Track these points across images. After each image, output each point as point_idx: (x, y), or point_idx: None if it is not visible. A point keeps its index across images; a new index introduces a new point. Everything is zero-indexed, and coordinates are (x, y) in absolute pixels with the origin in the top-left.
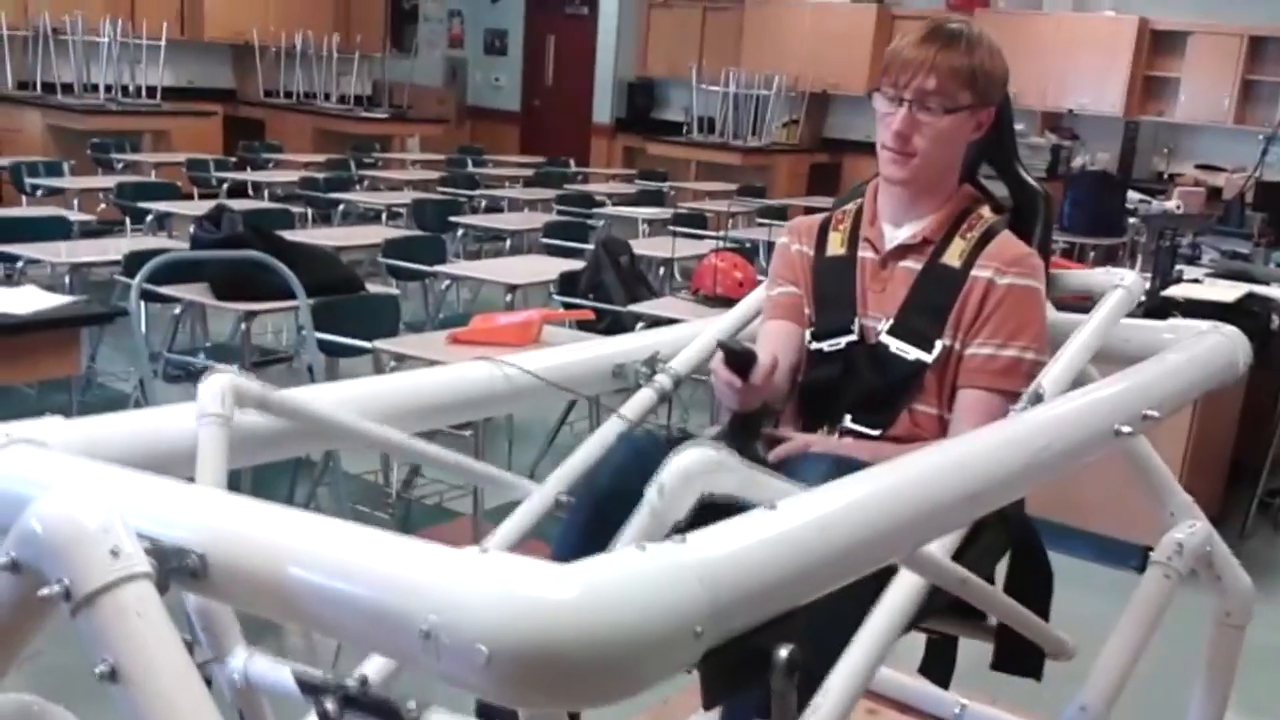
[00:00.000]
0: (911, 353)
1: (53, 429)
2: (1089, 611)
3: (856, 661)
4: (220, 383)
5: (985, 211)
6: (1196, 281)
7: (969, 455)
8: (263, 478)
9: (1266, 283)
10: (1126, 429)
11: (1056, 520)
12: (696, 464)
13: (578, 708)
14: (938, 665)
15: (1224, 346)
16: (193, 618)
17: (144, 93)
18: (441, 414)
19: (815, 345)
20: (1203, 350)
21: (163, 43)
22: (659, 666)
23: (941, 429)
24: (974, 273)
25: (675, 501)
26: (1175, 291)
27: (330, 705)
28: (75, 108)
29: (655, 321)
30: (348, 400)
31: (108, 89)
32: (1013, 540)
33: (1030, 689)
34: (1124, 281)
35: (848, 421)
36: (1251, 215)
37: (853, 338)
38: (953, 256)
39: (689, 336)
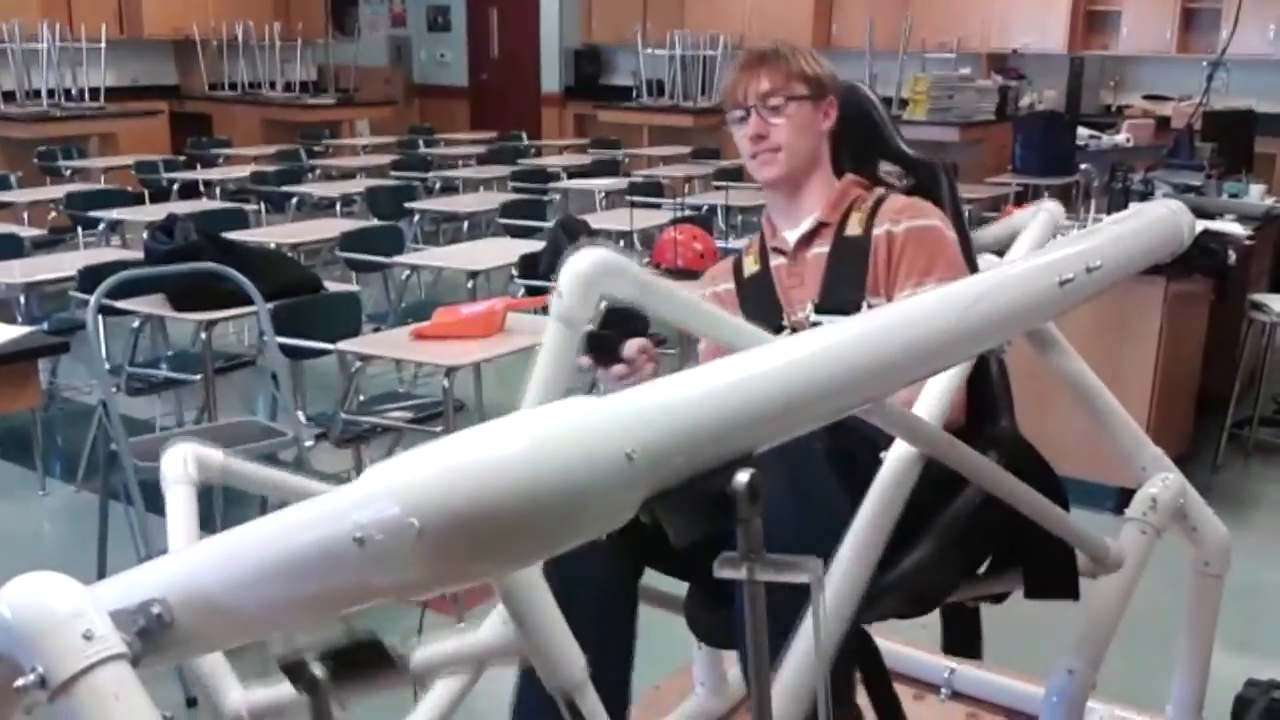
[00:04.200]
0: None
1: None
2: None
3: (858, 542)
4: (182, 452)
5: (877, 191)
6: None
7: (914, 312)
8: (233, 494)
9: (1220, 215)
10: (1069, 276)
11: None
12: (593, 267)
13: (518, 565)
14: (964, 638)
15: (1168, 218)
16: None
17: (87, 95)
18: None
19: None
20: (1146, 219)
21: (103, 44)
22: (600, 503)
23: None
24: (875, 233)
25: (576, 305)
26: None
27: (316, 671)
28: (18, 116)
29: None
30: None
31: (50, 94)
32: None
33: (1017, 650)
34: (1045, 207)
35: None
36: (1201, 146)
37: (785, 335)
38: (854, 227)
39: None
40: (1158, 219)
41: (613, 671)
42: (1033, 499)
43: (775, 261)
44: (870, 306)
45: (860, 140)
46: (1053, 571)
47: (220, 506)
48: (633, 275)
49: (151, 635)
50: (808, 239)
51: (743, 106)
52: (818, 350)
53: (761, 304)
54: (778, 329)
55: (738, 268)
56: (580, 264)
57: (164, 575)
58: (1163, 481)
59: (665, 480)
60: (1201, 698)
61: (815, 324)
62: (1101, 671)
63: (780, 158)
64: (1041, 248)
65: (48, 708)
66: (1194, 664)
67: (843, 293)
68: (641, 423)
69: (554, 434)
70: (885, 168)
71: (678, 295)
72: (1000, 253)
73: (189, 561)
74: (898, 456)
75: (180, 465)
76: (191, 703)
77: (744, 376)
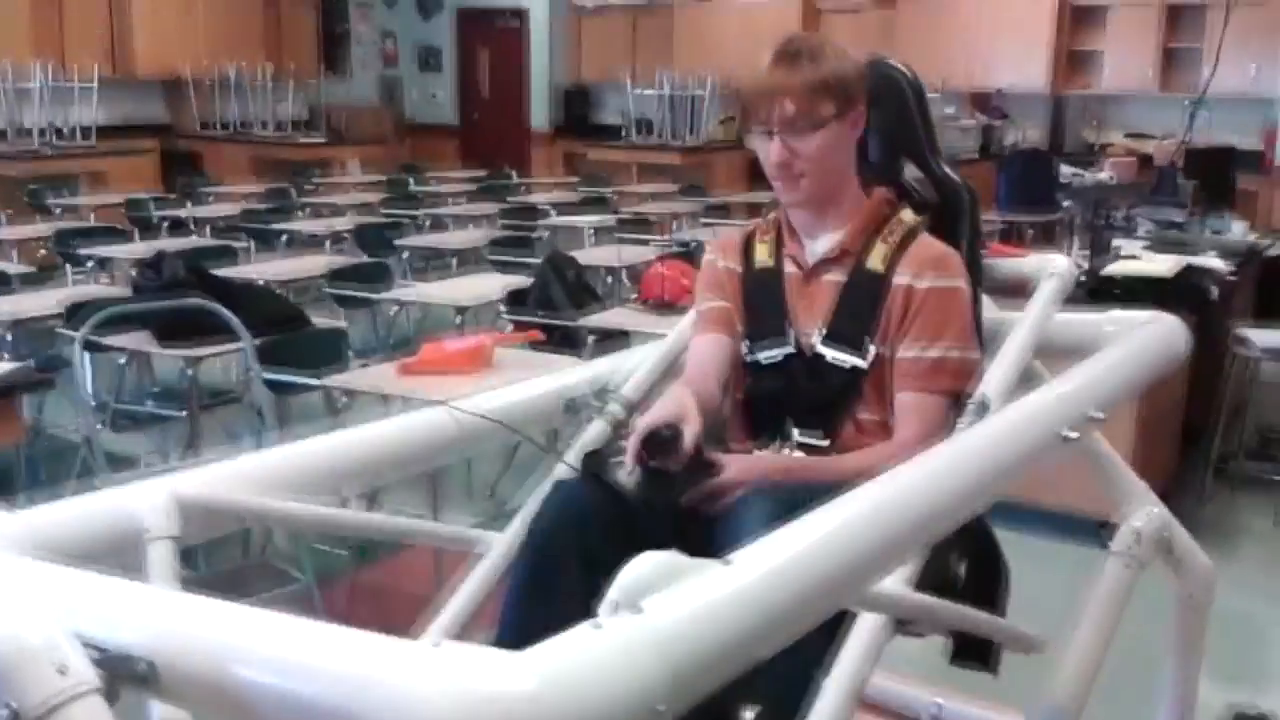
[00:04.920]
0: (848, 360)
1: None
2: (1053, 591)
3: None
4: (161, 498)
5: (905, 215)
6: (1133, 258)
7: (915, 483)
8: None
9: (1203, 251)
10: (1073, 434)
11: (1012, 500)
12: (647, 580)
13: None
14: (975, 647)
15: (1164, 336)
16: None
17: (78, 134)
18: (393, 467)
19: (752, 357)
20: (1143, 343)
21: (94, 84)
22: None
23: (888, 434)
24: (895, 279)
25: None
26: (1114, 269)
27: None
28: (8, 154)
29: (606, 334)
30: (296, 462)
31: (41, 133)
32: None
33: (1007, 682)
34: (1056, 268)
35: (795, 434)
36: (1184, 183)
37: (790, 349)
38: (876, 261)
39: (637, 361)
40: (1157, 339)
41: None
42: (962, 616)
43: (789, 268)
44: (875, 352)
45: (887, 127)
46: (978, 643)
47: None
48: (688, 572)
49: (130, 684)
50: (827, 263)
51: (765, 127)
52: (833, 534)
53: (768, 303)
54: (781, 340)
55: (747, 250)
56: (635, 579)
57: (159, 636)
58: (1147, 515)
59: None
60: None
61: (820, 353)
62: (1088, 704)
63: (805, 184)
64: (1049, 314)
65: None
66: (1180, 695)
67: (853, 329)
68: (673, 675)
69: (592, 690)
70: (911, 174)
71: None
72: (1007, 289)
73: (191, 638)
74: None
75: (161, 519)
76: None
77: (753, 581)
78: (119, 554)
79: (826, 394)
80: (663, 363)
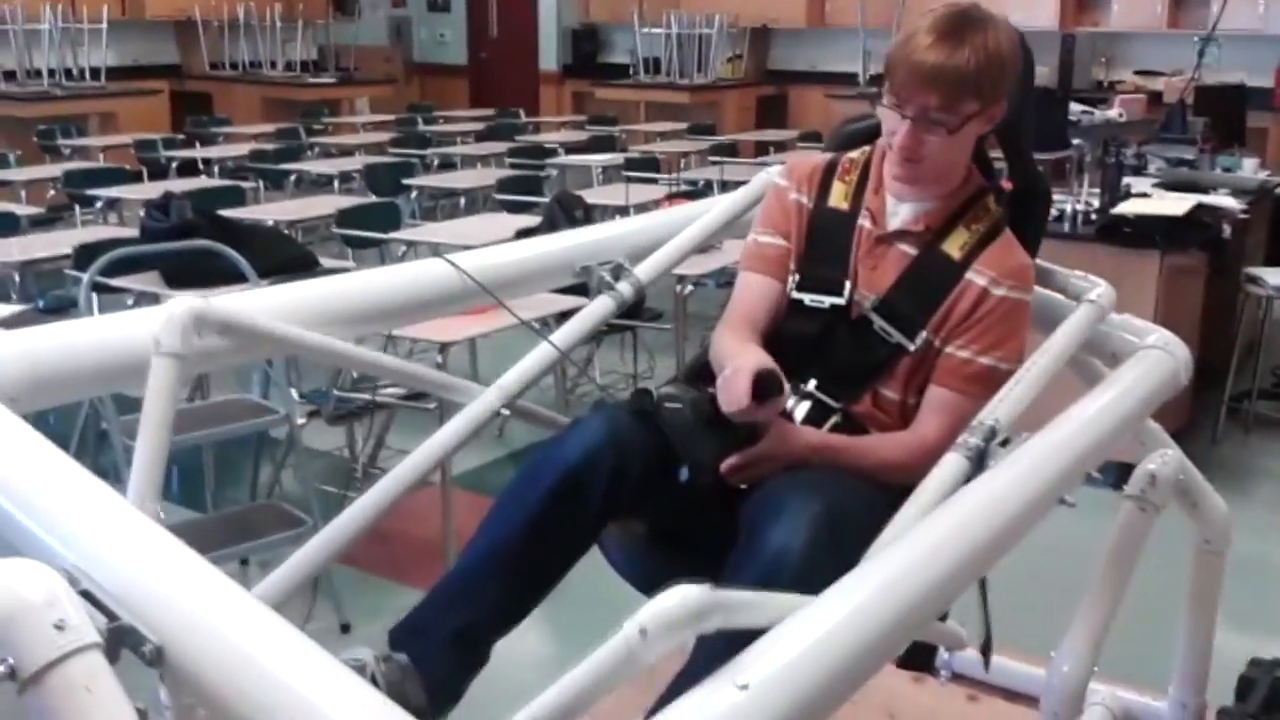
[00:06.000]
0: (895, 336)
1: None
2: (1070, 535)
3: None
4: (180, 312)
5: (991, 204)
6: (1145, 195)
7: (909, 572)
8: (226, 458)
9: (1215, 189)
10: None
11: None
12: (683, 612)
13: None
14: (917, 655)
15: (1165, 367)
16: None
17: (88, 75)
18: (397, 316)
19: (798, 295)
20: (1142, 379)
21: (104, 25)
22: None
23: (902, 415)
24: (970, 275)
25: (654, 647)
26: (1125, 208)
27: None
28: (18, 95)
29: None
30: (301, 303)
31: (51, 74)
32: None
33: (1018, 630)
34: (1097, 295)
35: (811, 386)
36: (1194, 121)
37: (839, 301)
38: (953, 246)
39: (653, 230)
40: (1155, 372)
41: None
42: None
43: (863, 221)
44: (925, 338)
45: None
46: (919, 651)
47: (211, 486)
48: (722, 609)
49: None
50: (904, 231)
51: (901, 108)
52: (844, 646)
53: (832, 251)
54: (835, 289)
55: (824, 186)
56: (671, 607)
57: (171, 623)
58: (1161, 458)
59: None
60: (1205, 677)
61: (869, 319)
62: (1103, 652)
63: (921, 169)
64: (1077, 343)
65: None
66: (1196, 643)
67: (910, 307)
68: None
69: None
70: (996, 154)
71: (763, 611)
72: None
73: (205, 632)
74: None
75: (176, 335)
76: None
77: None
78: (124, 379)
79: (861, 360)
80: (679, 254)
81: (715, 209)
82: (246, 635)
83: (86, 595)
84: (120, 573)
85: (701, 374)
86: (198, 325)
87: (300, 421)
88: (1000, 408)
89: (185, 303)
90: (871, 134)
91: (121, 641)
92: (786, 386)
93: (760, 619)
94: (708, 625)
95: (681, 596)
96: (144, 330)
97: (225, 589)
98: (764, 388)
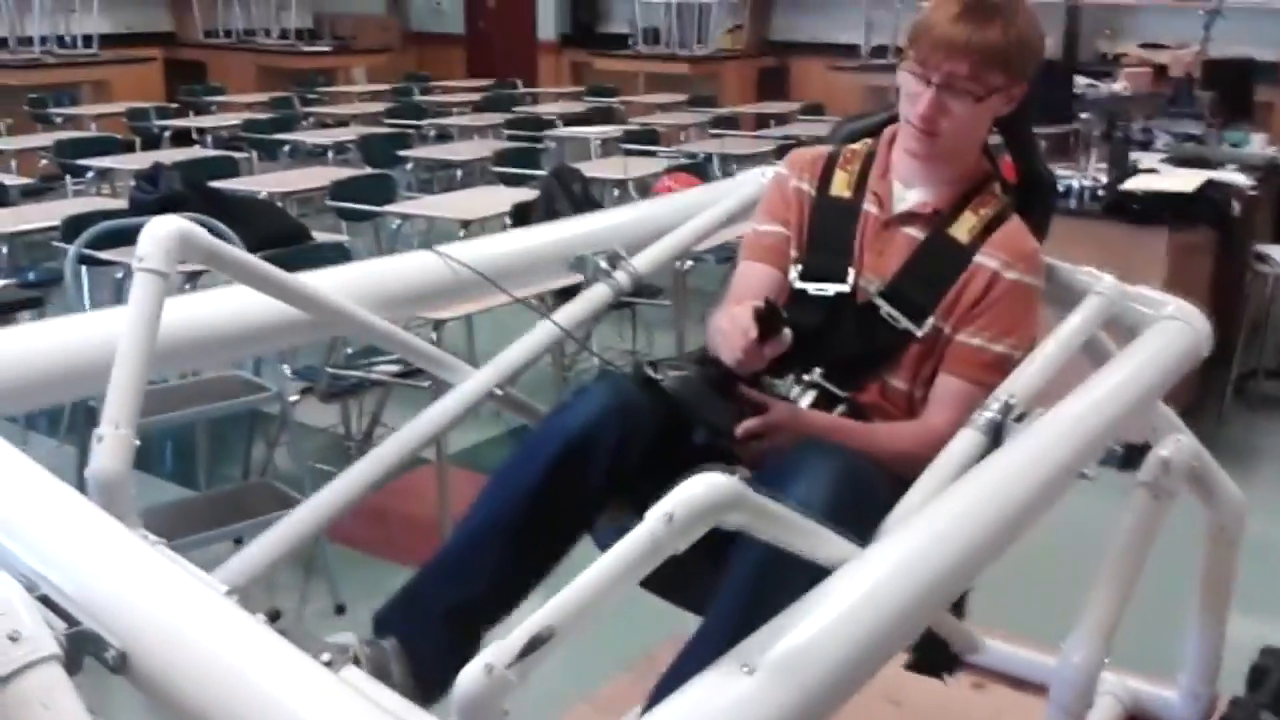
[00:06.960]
0: (902, 322)
1: None
2: (1075, 516)
3: None
4: (165, 232)
5: (998, 189)
6: (1153, 171)
7: (927, 550)
8: (220, 435)
9: (1223, 165)
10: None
11: None
12: (711, 500)
13: None
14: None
15: (1185, 339)
16: None
17: (80, 42)
18: (390, 309)
19: (801, 285)
20: (1162, 350)
21: None
22: None
23: (909, 406)
24: (979, 258)
25: (681, 535)
26: (1133, 184)
27: None
28: (10, 63)
29: None
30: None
31: (43, 41)
32: None
33: (1026, 617)
34: (1104, 288)
35: (817, 375)
36: (1201, 95)
37: (844, 289)
38: (961, 231)
39: (650, 220)
40: (1175, 345)
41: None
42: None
43: (869, 206)
44: (933, 325)
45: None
46: (936, 651)
47: (205, 464)
48: (748, 504)
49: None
50: (912, 216)
51: (925, 75)
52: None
53: (835, 239)
54: (840, 276)
55: (826, 175)
56: (699, 494)
57: (133, 628)
58: (1175, 443)
59: None
60: (1217, 666)
61: (876, 305)
62: (1113, 640)
63: (939, 142)
64: (1087, 331)
65: None
66: (1208, 632)
67: (918, 292)
68: None
69: None
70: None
71: (789, 520)
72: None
73: (168, 637)
74: None
75: (160, 254)
76: None
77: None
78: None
79: (868, 348)
80: (676, 249)
81: (715, 206)
82: (215, 637)
83: (45, 601)
84: (80, 575)
85: (702, 361)
86: (182, 247)
87: (293, 399)
88: (1015, 383)
89: (172, 221)
90: (874, 130)
91: (83, 649)
92: (787, 331)
93: (776, 534)
94: (730, 520)
95: (709, 484)
96: (108, 331)
97: (192, 589)
98: (766, 327)
